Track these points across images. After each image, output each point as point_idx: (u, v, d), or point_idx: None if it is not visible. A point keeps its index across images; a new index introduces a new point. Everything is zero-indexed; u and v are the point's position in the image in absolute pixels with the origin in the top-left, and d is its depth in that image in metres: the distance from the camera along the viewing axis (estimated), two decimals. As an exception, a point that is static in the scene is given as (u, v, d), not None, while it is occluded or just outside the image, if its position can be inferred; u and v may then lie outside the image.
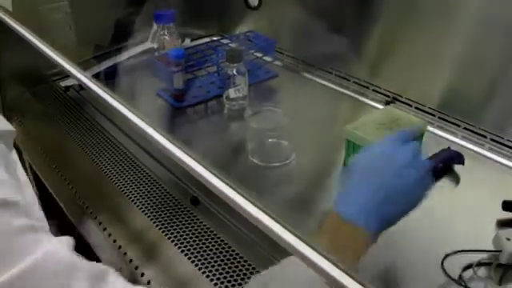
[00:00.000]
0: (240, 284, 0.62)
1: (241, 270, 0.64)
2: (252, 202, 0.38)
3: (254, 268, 0.65)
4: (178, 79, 1.02)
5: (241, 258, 0.66)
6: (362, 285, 0.31)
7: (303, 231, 0.36)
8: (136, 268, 0.67)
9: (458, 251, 0.64)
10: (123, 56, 1.21)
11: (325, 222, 0.54)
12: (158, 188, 0.80)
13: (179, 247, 0.68)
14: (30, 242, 0.43)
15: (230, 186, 0.40)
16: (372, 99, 1.04)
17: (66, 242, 0.46)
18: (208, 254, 0.66)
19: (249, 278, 0.63)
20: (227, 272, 0.64)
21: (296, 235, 0.35)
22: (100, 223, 0.76)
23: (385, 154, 0.57)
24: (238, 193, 0.39)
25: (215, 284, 0.63)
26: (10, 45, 1.06)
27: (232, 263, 0.65)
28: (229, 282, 0.63)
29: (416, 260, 0.65)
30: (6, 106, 1.11)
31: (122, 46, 1.23)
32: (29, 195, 0.63)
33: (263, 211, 0.37)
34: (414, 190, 0.56)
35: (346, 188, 0.56)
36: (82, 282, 0.43)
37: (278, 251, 0.57)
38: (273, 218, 0.37)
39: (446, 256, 0.64)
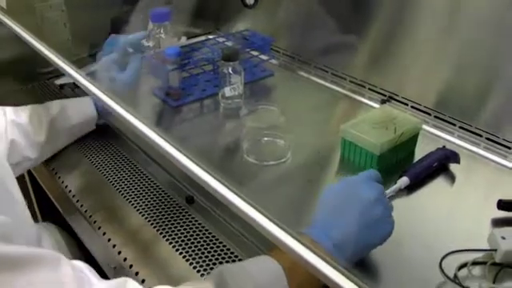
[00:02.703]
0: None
1: (236, 269, 0.64)
2: (247, 201, 0.38)
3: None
4: (173, 77, 1.02)
5: (236, 256, 0.66)
6: (351, 279, 0.31)
7: (298, 229, 0.36)
8: (130, 267, 0.67)
9: (454, 251, 0.64)
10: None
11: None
12: (152, 187, 0.80)
13: (174, 246, 0.68)
14: None
15: (225, 185, 0.40)
16: (368, 98, 1.04)
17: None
18: (203, 253, 0.66)
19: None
20: (222, 271, 0.64)
21: (290, 233, 0.35)
22: (94, 222, 0.76)
23: (355, 191, 0.60)
24: (233, 192, 0.39)
25: (210, 283, 0.62)
26: (4, 42, 1.05)
27: (227, 262, 0.65)
28: (224, 280, 0.63)
29: (411, 259, 0.65)
30: (0, 104, 1.10)
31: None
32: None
33: (258, 210, 0.37)
34: (382, 225, 0.59)
35: (323, 216, 0.59)
36: None
37: (273, 249, 0.58)
38: (267, 217, 0.37)
39: (445, 256, 0.64)
